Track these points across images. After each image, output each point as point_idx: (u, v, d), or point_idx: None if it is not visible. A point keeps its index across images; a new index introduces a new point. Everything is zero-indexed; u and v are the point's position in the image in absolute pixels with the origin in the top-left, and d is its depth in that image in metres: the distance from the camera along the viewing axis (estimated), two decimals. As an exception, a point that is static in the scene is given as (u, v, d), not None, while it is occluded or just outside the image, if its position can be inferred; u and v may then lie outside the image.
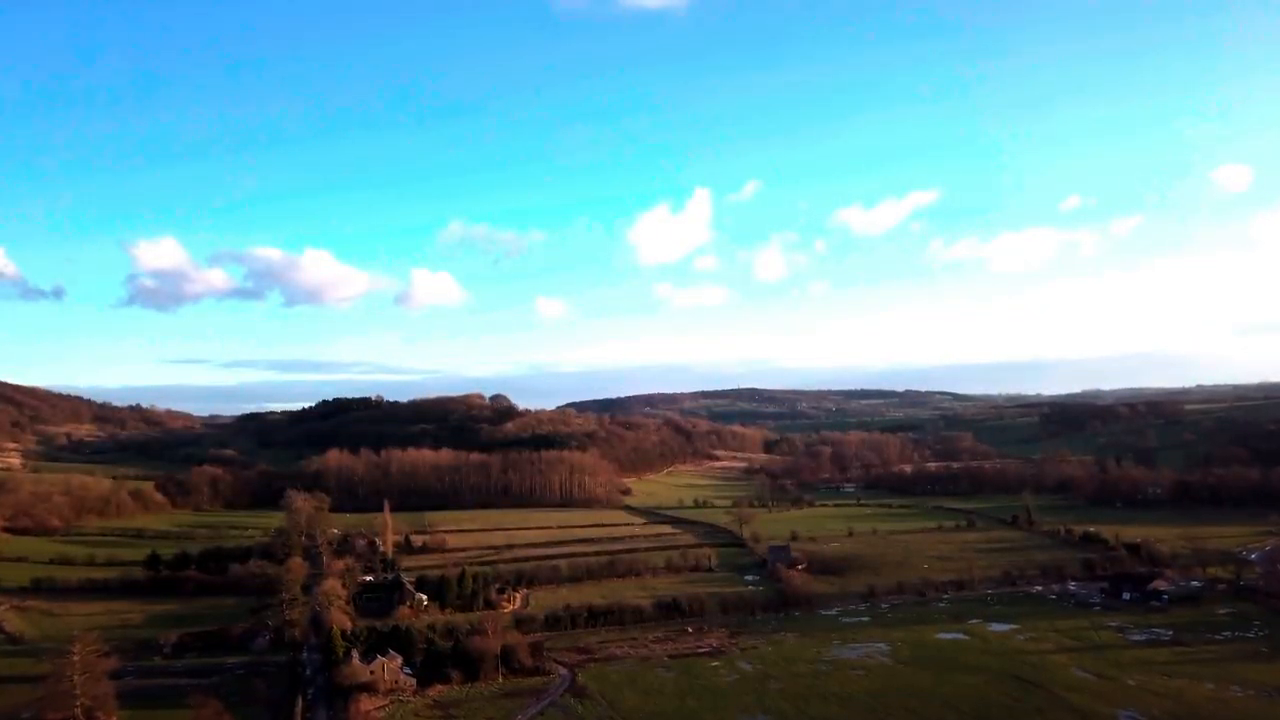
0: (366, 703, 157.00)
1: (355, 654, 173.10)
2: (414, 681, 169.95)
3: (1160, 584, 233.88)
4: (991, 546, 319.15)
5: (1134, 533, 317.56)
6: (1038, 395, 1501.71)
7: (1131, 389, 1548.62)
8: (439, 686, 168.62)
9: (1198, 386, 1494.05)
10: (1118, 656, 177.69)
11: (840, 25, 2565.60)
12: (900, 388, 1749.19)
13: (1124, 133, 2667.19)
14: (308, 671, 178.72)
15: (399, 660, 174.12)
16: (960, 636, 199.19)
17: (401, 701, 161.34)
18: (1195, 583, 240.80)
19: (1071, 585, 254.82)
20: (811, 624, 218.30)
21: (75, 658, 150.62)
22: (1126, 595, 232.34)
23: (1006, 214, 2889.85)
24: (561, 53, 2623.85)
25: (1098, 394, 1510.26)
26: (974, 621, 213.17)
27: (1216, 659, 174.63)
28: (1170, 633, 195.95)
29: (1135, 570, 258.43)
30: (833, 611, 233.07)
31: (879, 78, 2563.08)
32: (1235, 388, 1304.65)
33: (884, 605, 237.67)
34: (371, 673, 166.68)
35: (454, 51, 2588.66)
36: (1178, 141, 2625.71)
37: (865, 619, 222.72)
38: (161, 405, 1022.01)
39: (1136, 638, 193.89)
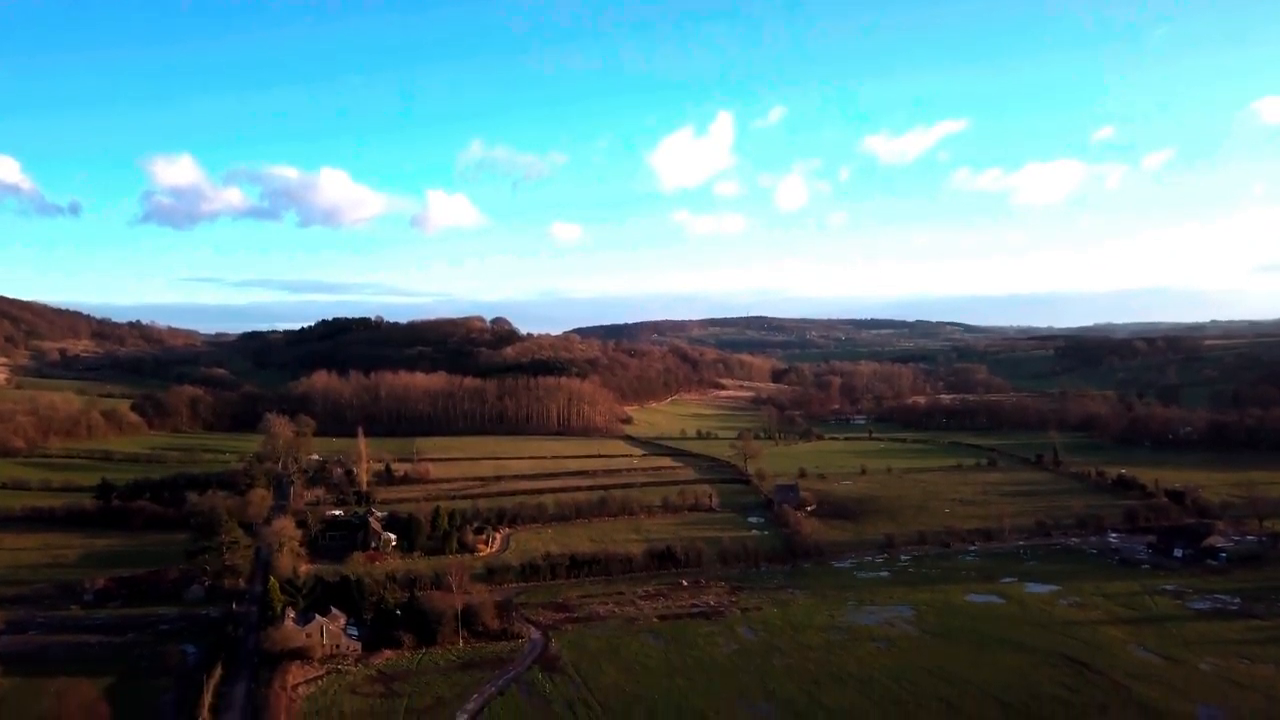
0: (297, 673, 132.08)
1: (291, 612, 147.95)
2: (359, 645, 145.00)
3: (1216, 540, 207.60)
4: (1018, 489, 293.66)
5: (1172, 477, 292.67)
6: (1050, 328, 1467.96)
7: (1145, 323, 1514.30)
8: (387, 652, 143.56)
9: (1212, 322, 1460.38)
10: (1181, 631, 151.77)
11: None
12: (911, 318, 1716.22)
13: (1164, 62, 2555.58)
14: (240, 630, 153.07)
15: (343, 620, 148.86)
16: (994, 600, 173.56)
17: (340, 671, 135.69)
18: (1253, 538, 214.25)
19: (1112, 538, 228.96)
20: (823, 579, 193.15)
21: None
22: (1179, 552, 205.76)
23: (1036, 144, 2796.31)
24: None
25: (1110, 328, 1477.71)
26: (1008, 580, 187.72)
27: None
28: (1237, 601, 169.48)
29: (1184, 522, 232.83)
30: (846, 564, 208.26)
31: (914, 15, 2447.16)
32: (1252, 324, 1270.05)
33: (904, 557, 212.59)
34: (308, 635, 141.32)
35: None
36: (1218, 71, 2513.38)
37: (884, 574, 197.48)
38: (172, 324, 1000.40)
39: (1199, 606, 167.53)
